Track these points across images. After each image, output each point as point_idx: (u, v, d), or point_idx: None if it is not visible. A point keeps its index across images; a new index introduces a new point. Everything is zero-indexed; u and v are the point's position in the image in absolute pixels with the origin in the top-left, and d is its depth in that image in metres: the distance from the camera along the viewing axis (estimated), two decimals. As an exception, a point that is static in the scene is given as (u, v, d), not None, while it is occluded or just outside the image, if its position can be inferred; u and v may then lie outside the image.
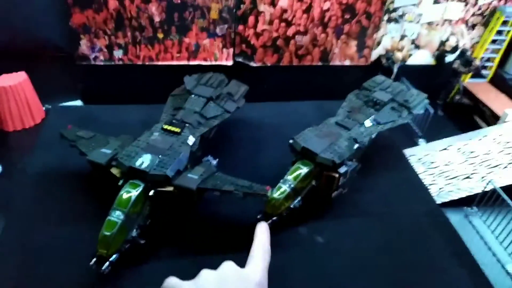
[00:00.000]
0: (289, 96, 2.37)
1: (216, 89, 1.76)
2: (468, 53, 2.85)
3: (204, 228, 1.47)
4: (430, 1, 2.65)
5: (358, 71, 2.62)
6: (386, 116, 1.81)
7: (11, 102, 2.02)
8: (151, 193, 1.24)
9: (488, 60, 3.08)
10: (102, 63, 2.20)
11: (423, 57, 2.84)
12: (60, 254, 1.32)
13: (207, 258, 1.39)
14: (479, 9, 2.80)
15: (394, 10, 2.55)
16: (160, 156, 1.30)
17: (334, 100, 1.94)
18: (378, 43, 2.61)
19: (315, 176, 1.52)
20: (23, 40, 2.09)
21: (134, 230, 1.24)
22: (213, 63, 2.28)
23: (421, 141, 2.39)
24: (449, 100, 2.99)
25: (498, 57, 3.05)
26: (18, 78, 2.04)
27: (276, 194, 1.40)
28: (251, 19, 2.16)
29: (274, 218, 1.43)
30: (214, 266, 1.36)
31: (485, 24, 2.84)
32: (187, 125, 1.49)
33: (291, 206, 1.47)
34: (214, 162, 1.55)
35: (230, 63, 2.32)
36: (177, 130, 1.44)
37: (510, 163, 1.98)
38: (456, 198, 1.80)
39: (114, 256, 1.18)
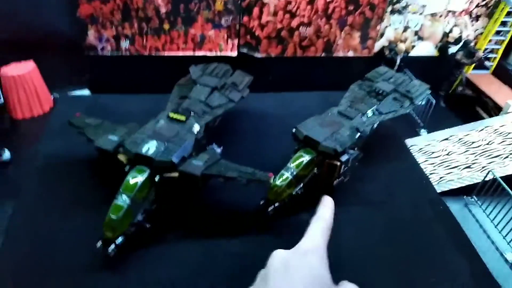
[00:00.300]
0: (293, 87, 2.40)
1: (221, 79, 1.78)
2: (471, 44, 2.86)
3: (208, 213, 1.51)
4: (434, -8, 2.66)
5: (361, 62, 2.64)
6: (388, 106, 1.83)
7: (20, 90, 2.06)
8: (156, 178, 1.28)
9: (492, 51, 3.09)
10: (109, 54, 2.23)
11: (426, 49, 2.86)
12: (67, 238, 1.36)
13: (212, 242, 1.43)
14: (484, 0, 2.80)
15: (398, 1, 2.56)
16: (165, 143, 1.33)
17: (338, 91, 1.97)
18: (382, 35, 2.63)
19: (317, 164, 1.55)
20: (32, 30, 2.12)
21: (140, 214, 1.28)
22: (218, 54, 2.31)
23: (423, 132, 2.41)
24: (451, 91, 3.01)
25: (501, 48, 3.06)
26: (27, 67, 2.08)
27: (278, 181, 1.44)
28: (255, 11, 2.18)
29: (276, 204, 1.46)
30: (219, 250, 1.40)
31: (489, 15, 2.85)
32: (192, 113, 1.52)
33: (293, 193, 1.51)
34: (219, 150, 1.58)
35: (234, 54, 2.34)
36: (183, 118, 1.47)
37: (511, 153, 2.00)
38: (456, 187, 1.83)
39: (120, 239, 1.22)
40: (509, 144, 2.05)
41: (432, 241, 1.53)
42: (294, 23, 2.21)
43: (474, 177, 1.81)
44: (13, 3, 1.98)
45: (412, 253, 1.47)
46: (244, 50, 2.25)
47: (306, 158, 1.51)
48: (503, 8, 2.84)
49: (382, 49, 2.70)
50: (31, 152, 1.77)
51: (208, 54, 2.18)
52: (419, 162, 1.94)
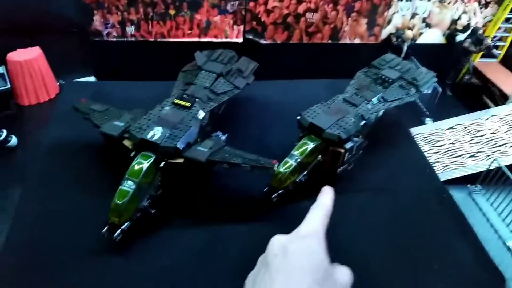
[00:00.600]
0: (299, 74, 2.39)
1: (226, 66, 1.78)
2: (480, 31, 2.82)
3: (213, 199, 1.53)
4: (443, -21, 2.62)
5: (368, 49, 2.62)
6: (393, 93, 1.83)
7: (26, 76, 2.06)
8: (162, 164, 1.29)
9: (500, 39, 3.05)
10: (115, 39, 2.23)
11: (433, 36, 2.82)
12: (74, 223, 1.39)
13: (217, 228, 1.45)
14: (493, -14, 2.76)
15: (406, -13, 2.54)
16: (171, 129, 1.34)
17: (344, 79, 1.96)
18: (389, 21, 2.60)
19: (321, 152, 1.56)
20: (37, 15, 2.12)
21: (146, 200, 1.30)
22: (224, 40, 2.29)
23: (428, 120, 2.40)
24: (458, 80, 2.98)
25: (510, 36, 3.01)
26: (33, 53, 2.08)
27: (282, 168, 1.45)
28: (261, -4, 2.17)
29: (280, 191, 1.48)
30: (223, 235, 1.42)
31: (499, 2, 2.80)
32: (197, 100, 1.53)
33: (297, 180, 1.52)
34: (223, 137, 1.59)
35: (240, 40, 2.33)
36: (188, 104, 1.48)
37: (516, 143, 1.99)
38: (460, 175, 1.83)
39: (125, 224, 1.24)
40: (515, 133, 2.04)
41: (436, 229, 1.54)
42: (301, 9, 2.19)
43: (479, 166, 1.81)
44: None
45: (416, 241, 1.48)
46: (250, 36, 2.24)
47: (310, 145, 1.51)
48: (513, -5, 2.80)
49: (389, 36, 2.68)
50: (38, 138, 1.79)
51: (214, 40, 2.17)
52: (423, 151, 1.93)
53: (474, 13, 2.80)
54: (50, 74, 2.17)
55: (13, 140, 1.77)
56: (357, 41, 2.54)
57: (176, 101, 1.49)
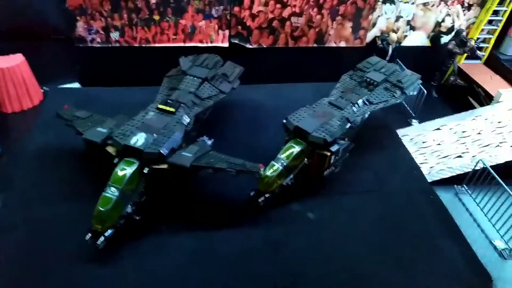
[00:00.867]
0: (285, 78, 2.39)
1: (211, 70, 1.79)
2: (463, 33, 2.85)
3: (199, 204, 1.52)
4: (426, -19, 2.65)
5: (353, 53, 2.63)
6: (379, 96, 1.84)
7: (8, 84, 2.03)
8: (145, 170, 1.28)
9: (484, 41, 3.09)
10: (99, 45, 2.21)
11: (418, 38, 2.85)
12: (57, 229, 1.37)
13: (204, 233, 1.44)
14: (476, -11, 2.79)
15: (390, -10, 2.55)
16: (154, 135, 1.34)
17: (330, 82, 1.97)
18: (374, 24, 2.62)
19: (308, 155, 1.57)
20: (20, 22, 2.09)
21: (129, 207, 1.29)
22: (209, 45, 2.29)
23: (414, 122, 2.42)
24: (444, 81, 3.00)
25: (493, 38, 3.05)
26: (15, 60, 2.05)
27: (269, 172, 1.45)
28: (246, 0, 2.16)
29: (267, 195, 1.47)
30: (210, 240, 1.41)
31: (481, 4, 2.84)
32: (182, 105, 1.53)
33: (284, 183, 1.52)
34: (209, 142, 1.59)
35: (226, 44, 2.33)
36: (172, 110, 1.48)
37: (501, 143, 2.01)
38: (446, 176, 1.84)
39: (109, 231, 1.23)
40: (500, 133, 2.06)
41: (423, 230, 1.55)
42: (286, 13, 2.20)
43: (465, 166, 1.82)
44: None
45: (404, 242, 1.49)
46: (236, 41, 2.24)
47: (296, 148, 1.52)
48: (495, -3, 2.83)
49: (375, 39, 2.70)
50: (22, 146, 1.77)
51: (199, 45, 2.17)
52: (410, 152, 1.95)
53: (458, 16, 2.83)
54: (33, 81, 2.14)
55: (-4, 149, 1.74)
56: (342, 44, 2.56)
57: (160, 106, 1.48)
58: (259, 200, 1.49)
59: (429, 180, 1.83)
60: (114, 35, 2.17)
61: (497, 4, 2.90)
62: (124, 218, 1.30)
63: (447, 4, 2.74)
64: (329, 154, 1.54)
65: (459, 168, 1.87)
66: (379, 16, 2.59)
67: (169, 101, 1.55)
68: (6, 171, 1.71)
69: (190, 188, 1.52)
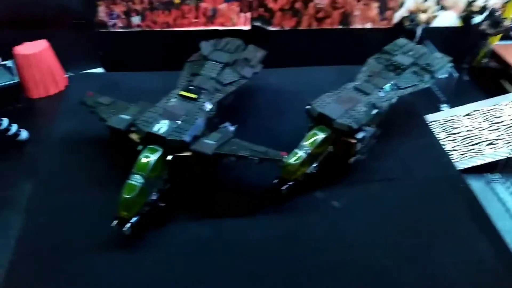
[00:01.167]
0: (309, 61, 2.33)
1: (232, 55, 1.75)
2: (498, 13, 2.71)
3: (222, 192, 1.51)
4: (458, -42, 2.53)
5: (380, 34, 2.54)
6: (407, 80, 1.77)
7: (34, 69, 2.05)
8: (169, 158, 1.27)
9: (519, 20, 2.94)
10: (120, 30, 2.20)
11: (448, 19, 2.72)
12: (84, 216, 1.38)
13: (225, 222, 1.43)
14: (512, -35, 2.65)
15: (419, -31, 2.45)
16: (177, 122, 1.32)
17: (355, 65, 1.91)
18: (401, 4, 2.51)
19: (332, 142, 1.52)
20: (42, 8, 2.10)
21: (154, 194, 1.28)
22: (231, 28, 2.25)
23: (444, 107, 2.32)
24: (476, 63, 2.88)
25: (530, 17, 2.91)
26: (40, 46, 2.07)
27: (292, 160, 1.42)
28: (268, -18, 2.11)
29: (290, 183, 1.45)
30: (232, 229, 1.40)
31: (517, -18, 2.70)
32: (203, 91, 1.50)
33: (308, 171, 1.48)
34: (232, 128, 1.56)
35: (247, 27, 2.28)
36: (194, 96, 1.45)
37: (537, 129, 1.92)
38: (477, 164, 1.77)
39: (134, 218, 1.23)
40: (535, 119, 1.97)
41: (451, 220, 1.50)
42: (309, -7, 2.13)
43: (498, 153, 1.75)
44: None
45: (429, 232, 1.44)
46: (258, 24, 2.19)
47: (320, 136, 1.47)
48: (532, -27, 2.68)
49: (402, 19, 2.60)
50: (48, 132, 1.79)
51: (220, 28, 2.13)
52: (439, 139, 1.88)
53: (491, -6, 2.70)
54: (58, 67, 2.15)
55: (23, 134, 1.76)
56: (368, 25, 2.47)
57: (182, 92, 1.46)
58: (282, 188, 1.46)
59: (458, 168, 1.76)
60: (135, 19, 2.16)
61: (535, -19, 2.77)
62: (149, 205, 1.30)
63: (480, -18, 2.62)
64: (354, 141, 1.49)
65: (491, 155, 1.79)
66: (407, -5, 2.50)
67: (190, 87, 1.52)
68: (34, 156, 1.74)
69: (214, 175, 1.51)
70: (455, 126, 2.03)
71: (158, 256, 1.29)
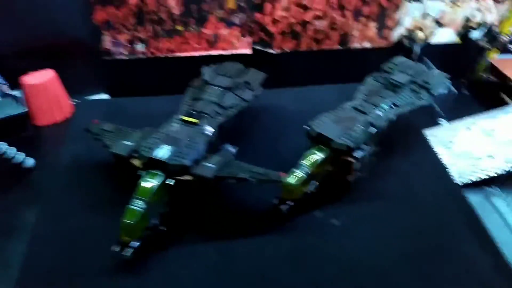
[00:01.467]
0: (310, 81, 2.38)
1: (233, 79, 1.79)
2: (495, 28, 2.75)
3: (223, 214, 1.53)
4: (453, -23, 2.58)
5: (379, 53, 2.58)
6: (405, 98, 1.79)
7: (41, 99, 2.12)
8: (170, 182, 1.31)
9: (517, 35, 2.98)
10: (125, 57, 2.27)
11: (447, 36, 2.77)
12: (88, 240, 1.41)
13: (228, 243, 1.45)
14: (506, -18, 2.70)
15: (415, -12, 2.51)
16: (178, 147, 1.36)
17: (356, 83, 1.94)
18: (399, 23, 2.57)
19: (331, 161, 1.55)
20: (49, 38, 2.18)
21: (155, 218, 1.31)
22: (233, 52, 2.31)
23: (443, 121, 2.35)
24: (475, 78, 2.91)
25: (527, 31, 2.94)
26: (47, 76, 2.14)
27: (292, 180, 1.44)
28: (267, 6, 2.17)
29: (291, 203, 1.47)
30: (235, 250, 1.42)
31: (512, -2, 2.74)
32: (205, 115, 1.54)
33: (308, 191, 1.51)
34: (233, 150, 1.59)
35: (249, 51, 2.34)
36: (196, 121, 1.49)
37: (536, 142, 1.93)
38: (477, 179, 1.78)
39: (136, 242, 1.26)
40: (534, 132, 1.98)
41: (452, 235, 1.50)
42: (308, 16, 2.19)
43: (497, 167, 1.76)
44: (28, 12, 2.04)
45: (431, 248, 1.45)
46: (258, 47, 2.25)
47: (319, 155, 1.50)
48: (527, -11, 2.73)
49: (401, 38, 2.64)
50: (54, 158, 1.84)
51: (223, 52, 2.19)
52: (438, 154, 1.90)
53: (489, 10, 2.74)
54: (64, 95, 2.22)
55: (30, 161, 1.81)
56: (367, 45, 2.52)
57: (184, 117, 1.51)
58: (283, 208, 1.49)
59: (459, 183, 1.77)
60: (140, 47, 2.23)
61: (529, -4, 2.82)
62: (150, 229, 1.33)
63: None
64: (353, 160, 1.52)
65: (490, 169, 1.81)
66: (404, 14, 2.54)
67: (192, 112, 1.57)
68: (41, 182, 1.78)
69: (215, 196, 1.54)
70: (454, 140, 2.05)
71: (163, 280, 1.31)
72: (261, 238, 1.47)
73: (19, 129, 2.07)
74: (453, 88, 2.24)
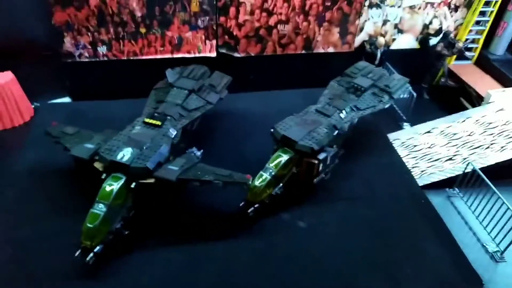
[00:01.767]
0: (275, 85, 2.40)
1: (198, 81, 1.79)
2: (451, 35, 2.87)
3: (189, 217, 1.52)
4: (410, -16, 2.67)
5: (342, 58, 2.64)
6: (366, 101, 1.84)
7: (-2, 101, 2.04)
8: (133, 185, 1.28)
9: (473, 41, 3.11)
10: (87, 60, 2.22)
11: (407, 41, 2.87)
12: (47, 246, 1.37)
13: (194, 246, 1.43)
14: (462, -10, 2.82)
15: (375, -5, 2.57)
16: (141, 149, 1.34)
17: (320, 88, 1.98)
18: (361, 29, 2.63)
19: (296, 163, 1.57)
20: (8, 40, 2.10)
21: (118, 222, 1.28)
22: (197, 55, 2.30)
23: (406, 125, 2.42)
24: (435, 83, 3.02)
25: (482, 38, 3.07)
26: (5, 78, 2.05)
27: (257, 182, 1.45)
28: (232, 10, 2.18)
29: (257, 205, 1.47)
30: (200, 254, 1.41)
31: (468, 6, 2.86)
32: (168, 117, 1.53)
33: (273, 193, 1.51)
34: (199, 153, 1.59)
35: (214, 54, 2.34)
36: (158, 123, 1.48)
37: (492, 144, 2.01)
38: (437, 180, 1.84)
39: (98, 247, 1.23)
40: (490, 134, 2.07)
41: (413, 235, 1.55)
42: (272, 21, 2.22)
43: (456, 169, 1.83)
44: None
45: (392, 248, 1.49)
46: (223, 50, 2.25)
47: (284, 157, 1.52)
48: (481, -2, 2.85)
49: (363, 43, 2.71)
50: (12, 163, 1.77)
51: (187, 55, 2.18)
52: (401, 156, 1.95)
53: (445, 17, 2.85)
54: (23, 98, 2.14)
55: (-14, 167, 1.73)
56: (331, 50, 2.57)
57: (147, 120, 1.49)
58: (249, 211, 1.49)
59: (420, 184, 1.83)
60: (102, 49, 2.18)
61: (483, 5, 2.94)
62: (113, 233, 1.29)
63: (433, 7, 2.76)
64: (316, 162, 1.54)
65: (450, 171, 1.87)
66: (366, 20, 2.61)
67: (155, 114, 1.55)
68: (-3, 188, 1.70)
69: (178, 201, 1.52)
70: (416, 143, 2.11)
71: (122, 285, 1.28)
72: (228, 241, 1.47)
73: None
74: (413, 92, 2.31)
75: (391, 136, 2.17)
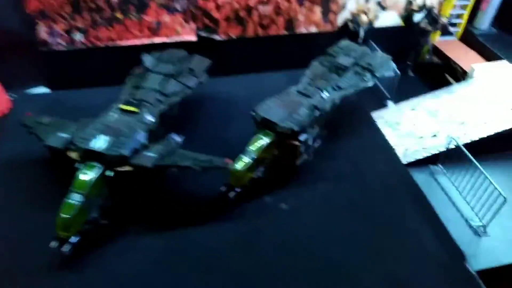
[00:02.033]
0: (257, 68, 2.36)
1: (176, 66, 1.74)
2: (435, 11, 2.83)
3: (169, 203, 1.49)
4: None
5: (325, 37, 2.60)
6: (348, 81, 1.81)
7: (-27, 93, 1.99)
8: (110, 174, 1.25)
9: (458, 16, 3.08)
10: (64, 48, 2.17)
11: (390, 19, 2.83)
12: (24, 238, 1.34)
13: (175, 233, 1.41)
14: (444, -35, 2.78)
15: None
16: (116, 137, 1.30)
17: (304, 69, 1.94)
18: (344, 7, 2.59)
19: (278, 145, 1.54)
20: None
21: (95, 211, 1.26)
22: (176, 39, 2.25)
23: (390, 103, 2.41)
24: (420, 59, 3.00)
25: (466, 13, 3.05)
26: (-22, 69, 2.01)
27: (238, 166, 1.42)
28: (211, -8, 2.14)
29: (238, 189, 1.45)
30: (183, 240, 1.39)
31: (451, -19, 2.83)
32: (145, 104, 1.49)
33: (255, 176, 1.49)
34: (179, 139, 1.55)
35: (194, 38, 2.29)
36: (135, 109, 1.44)
37: (475, 119, 2.01)
38: (421, 157, 1.83)
39: (75, 237, 1.20)
40: (474, 110, 2.06)
41: (397, 213, 1.54)
42: (252, 2, 2.17)
43: (440, 145, 1.82)
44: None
45: (378, 225, 1.48)
46: (203, 34, 2.21)
47: (265, 140, 1.49)
48: (464, -29, 2.82)
49: (346, 22, 2.67)
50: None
51: (166, 40, 2.13)
52: (385, 135, 1.93)
53: (428, -7, 2.82)
54: (0, 90, 2.09)
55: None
56: (313, 29, 2.53)
57: (123, 106, 1.45)
58: (230, 195, 1.47)
59: (404, 162, 1.82)
60: (78, 37, 2.13)
61: (467, -21, 2.92)
62: (90, 223, 1.27)
63: (416, -18, 2.73)
64: (298, 143, 1.51)
65: (433, 147, 1.86)
66: (348, -2, 2.58)
67: (132, 100, 1.51)
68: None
69: (158, 187, 1.49)
70: (400, 121, 2.10)
71: (105, 276, 1.27)
72: (210, 225, 1.45)
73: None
74: (397, 70, 2.29)
75: (375, 114, 2.16)
